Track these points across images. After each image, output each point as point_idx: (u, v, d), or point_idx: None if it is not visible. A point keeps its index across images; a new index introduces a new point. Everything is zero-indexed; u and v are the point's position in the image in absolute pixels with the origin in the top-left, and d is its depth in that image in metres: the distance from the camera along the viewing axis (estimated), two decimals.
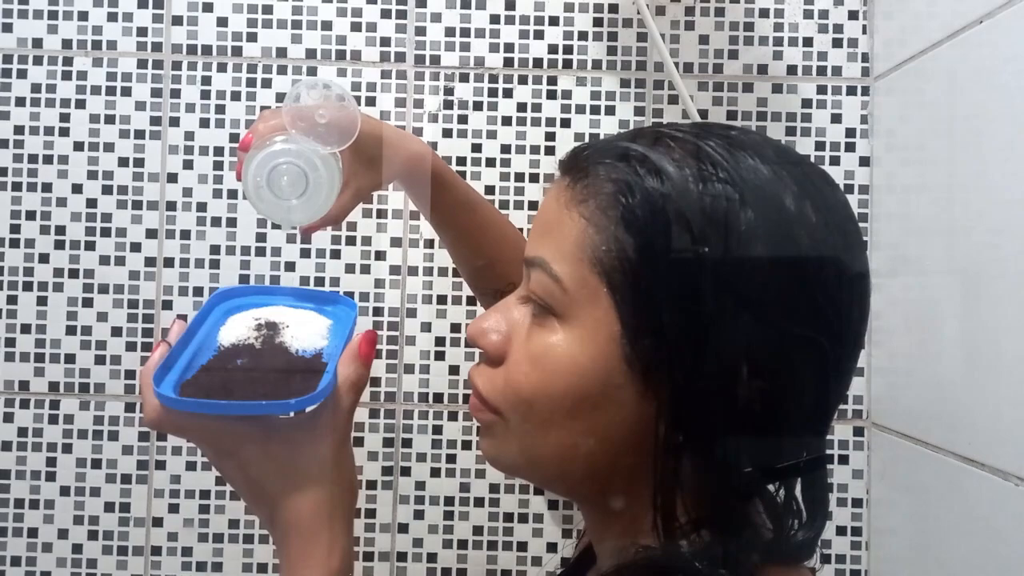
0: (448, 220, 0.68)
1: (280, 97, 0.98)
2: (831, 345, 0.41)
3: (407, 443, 0.97)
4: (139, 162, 0.98)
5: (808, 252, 0.40)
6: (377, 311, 0.97)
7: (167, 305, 0.97)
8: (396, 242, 0.98)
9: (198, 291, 0.97)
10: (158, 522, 0.96)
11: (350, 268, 0.98)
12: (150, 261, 0.97)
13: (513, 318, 0.47)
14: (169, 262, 0.97)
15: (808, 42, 0.99)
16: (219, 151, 0.98)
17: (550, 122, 0.98)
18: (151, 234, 0.97)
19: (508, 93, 0.98)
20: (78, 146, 0.98)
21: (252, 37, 0.98)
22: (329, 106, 0.51)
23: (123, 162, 0.98)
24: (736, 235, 0.39)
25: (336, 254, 0.98)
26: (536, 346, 0.44)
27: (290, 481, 0.44)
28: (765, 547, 0.42)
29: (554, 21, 0.99)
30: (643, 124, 0.98)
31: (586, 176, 0.44)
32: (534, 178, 0.98)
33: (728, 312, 0.39)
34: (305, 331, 0.51)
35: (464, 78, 0.98)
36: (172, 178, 0.98)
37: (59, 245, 0.97)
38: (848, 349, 0.43)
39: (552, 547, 0.97)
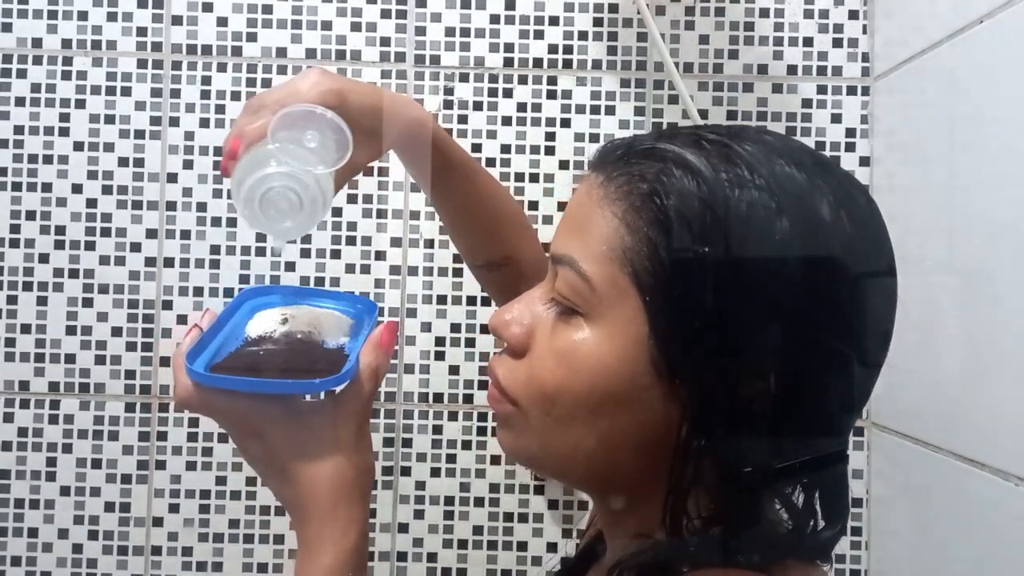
0: (447, 187, 0.65)
1: None
2: (858, 354, 0.41)
3: (407, 443, 0.97)
4: (139, 162, 0.98)
5: (841, 262, 0.40)
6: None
7: (167, 305, 0.97)
8: (396, 242, 0.98)
9: (198, 291, 0.97)
10: (158, 522, 0.96)
11: (350, 268, 0.98)
12: (150, 261, 0.97)
13: (536, 311, 0.46)
14: (169, 262, 0.97)
15: (808, 42, 0.99)
16: (219, 151, 0.98)
17: (550, 122, 0.98)
18: (151, 234, 0.97)
19: (508, 93, 0.98)
20: (78, 146, 0.98)
21: (252, 37, 0.98)
22: (319, 127, 0.50)
23: (123, 162, 0.98)
24: (770, 243, 0.39)
25: (336, 254, 0.98)
26: (562, 342, 0.43)
27: (309, 461, 0.45)
28: (780, 544, 0.42)
29: (554, 21, 0.99)
30: (643, 124, 0.98)
31: (620, 174, 0.43)
32: (534, 178, 0.98)
33: (757, 320, 0.39)
34: (328, 327, 0.53)
35: (464, 78, 0.98)
36: (172, 178, 0.98)
37: (59, 245, 0.97)
38: (874, 356, 0.43)
39: (552, 547, 0.97)
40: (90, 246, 0.97)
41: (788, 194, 0.40)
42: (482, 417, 0.97)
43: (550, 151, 0.98)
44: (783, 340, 0.39)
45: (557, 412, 0.43)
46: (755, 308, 0.39)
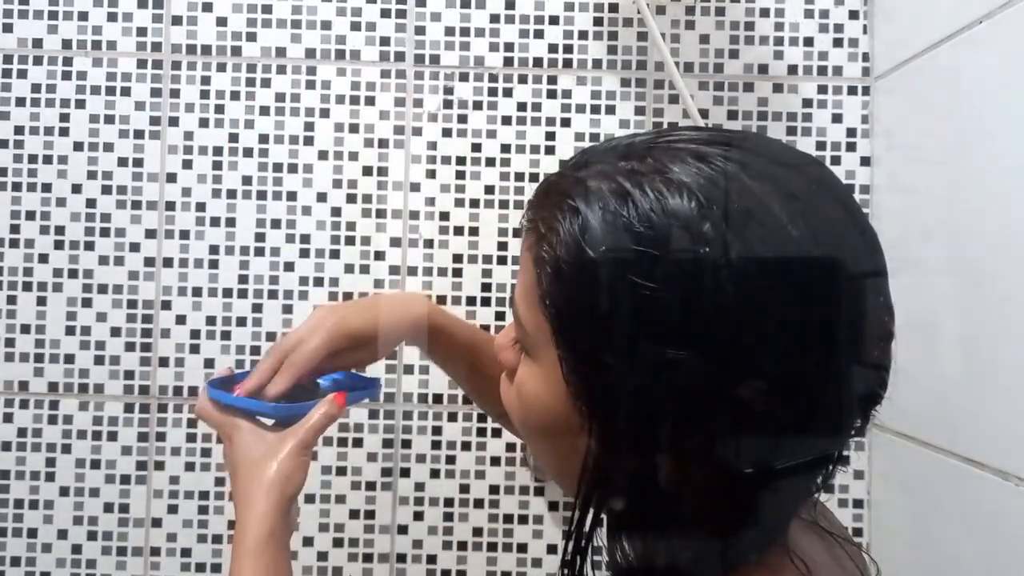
0: (457, 360, 0.73)
1: (279, 97, 0.98)
2: (764, 390, 0.38)
3: (407, 444, 0.97)
4: (138, 162, 0.98)
5: (720, 302, 0.37)
6: None
7: (167, 305, 0.97)
8: (396, 242, 0.98)
9: (198, 291, 0.97)
10: (157, 523, 0.96)
11: (350, 268, 0.98)
12: (150, 261, 0.97)
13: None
14: (169, 262, 0.97)
15: (809, 42, 0.99)
16: (218, 151, 0.98)
17: (550, 122, 0.98)
18: (150, 234, 0.97)
19: (508, 93, 0.98)
20: (78, 146, 0.98)
21: (252, 37, 0.98)
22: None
23: (122, 162, 0.98)
24: (649, 278, 0.37)
25: (336, 254, 0.98)
26: (519, 379, 0.46)
27: (250, 461, 0.59)
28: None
29: (554, 20, 0.99)
30: (643, 124, 0.98)
31: (531, 216, 0.44)
32: (534, 178, 0.98)
33: (652, 362, 0.38)
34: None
35: (464, 78, 0.98)
36: (171, 178, 0.98)
37: (59, 245, 0.97)
38: (792, 393, 0.39)
39: (552, 549, 0.97)
40: (90, 246, 0.97)
41: (664, 228, 0.38)
42: (482, 418, 0.97)
43: (550, 151, 0.98)
44: (680, 385, 0.38)
45: (526, 436, 0.48)
46: (639, 353, 0.38)
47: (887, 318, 0.42)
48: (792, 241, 0.38)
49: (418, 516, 0.97)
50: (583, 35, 0.99)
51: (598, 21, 0.99)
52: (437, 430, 0.97)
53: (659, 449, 0.39)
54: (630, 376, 0.39)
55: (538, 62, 0.99)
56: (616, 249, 0.39)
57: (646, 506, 0.41)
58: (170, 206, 0.98)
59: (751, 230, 0.38)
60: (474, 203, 0.98)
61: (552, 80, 0.98)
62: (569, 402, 0.42)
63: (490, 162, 0.98)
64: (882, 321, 0.42)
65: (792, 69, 0.99)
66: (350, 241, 0.98)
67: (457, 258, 0.98)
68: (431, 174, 0.98)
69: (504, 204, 0.98)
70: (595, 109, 0.98)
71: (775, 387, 0.38)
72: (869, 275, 0.41)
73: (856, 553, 0.49)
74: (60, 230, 0.97)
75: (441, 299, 0.97)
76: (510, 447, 0.97)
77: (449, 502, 0.97)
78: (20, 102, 0.98)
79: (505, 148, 0.98)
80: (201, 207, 0.98)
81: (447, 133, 0.98)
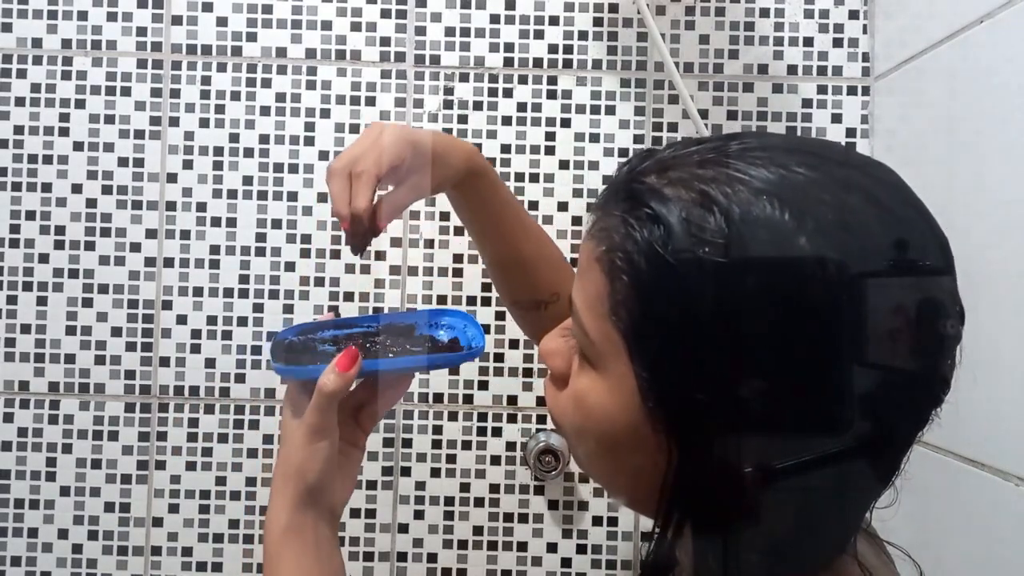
0: (499, 223, 0.68)
1: (280, 97, 0.98)
2: (824, 394, 0.38)
3: (407, 443, 0.97)
4: (139, 162, 0.98)
5: (812, 314, 0.37)
6: (377, 311, 0.97)
7: (167, 305, 0.97)
8: (396, 242, 0.98)
9: (198, 291, 0.97)
10: (158, 522, 0.96)
11: (350, 268, 0.98)
12: (150, 261, 0.97)
13: (571, 345, 0.47)
14: (169, 262, 0.97)
15: (808, 42, 0.99)
16: (219, 151, 0.98)
17: (550, 122, 0.98)
18: (151, 234, 0.97)
19: (508, 93, 0.98)
20: (78, 146, 0.98)
21: (252, 37, 0.98)
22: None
23: (123, 162, 0.98)
24: (736, 295, 0.37)
25: (336, 254, 0.98)
26: (577, 388, 0.45)
27: (282, 443, 0.54)
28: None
29: (554, 21, 0.99)
30: (643, 124, 0.98)
31: (603, 219, 0.42)
32: (534, 178, 0.98)
33: (731, 373, 0.37)
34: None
35: (464, 78, 0.98)
36: (172, 178, 0.98)
37: (59, 245, 0.97)
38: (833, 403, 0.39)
39: (552, 547, 0.97)
40: (90, 246, 0.97)
41: (764, 244, 0.37)
42: (482, 417, 0.97)
43: (550, 151, 0.98)
44: (757, 396, 0.37)
45: (581, 448, 0.46)
46: (722, 361, 0.37)
47: (960, 323, 0.42)
48: (884, 251, 0.38)
49: (418, 515, 0.97)
50: (583, 35, 0.99)
51: (598, 21, 0.99)
52: (437, 429, 0.97)
53: (748, 463, 0.38)
54: (719, 392, 0.38)
55: (538, 62, 0.99)
56: (703, 259, 0.37)
57: (730, 516, 0.40)
58: (171, 206, 0.98)
59: (848, 240, 0.37)
60: None
61: (552, 80, 0.99)
62: (640, 415, 0.40)
63: (490, 162, 0.98)
64: (955, 326, 0.42)
65: (792, 69, 0.99)
66: None
67: (457, 258, 0.98)
68: None
69: None
70: (595, 109, 0.98)
71: (869, 399, 0.38)
72: (947, 279, 0.42)
73: (888, 552, 0.50)
74: (60, 230, 0.97)
75: (442, 299, 0.98)
76: (510, 446, 0.97)
77: (449, 501, 0.97)
78: (20, 102, 0.98)
79: (505, 148, 0.98)
80: (202, 207, 0.98)
81: (447, 133, 0.98)
